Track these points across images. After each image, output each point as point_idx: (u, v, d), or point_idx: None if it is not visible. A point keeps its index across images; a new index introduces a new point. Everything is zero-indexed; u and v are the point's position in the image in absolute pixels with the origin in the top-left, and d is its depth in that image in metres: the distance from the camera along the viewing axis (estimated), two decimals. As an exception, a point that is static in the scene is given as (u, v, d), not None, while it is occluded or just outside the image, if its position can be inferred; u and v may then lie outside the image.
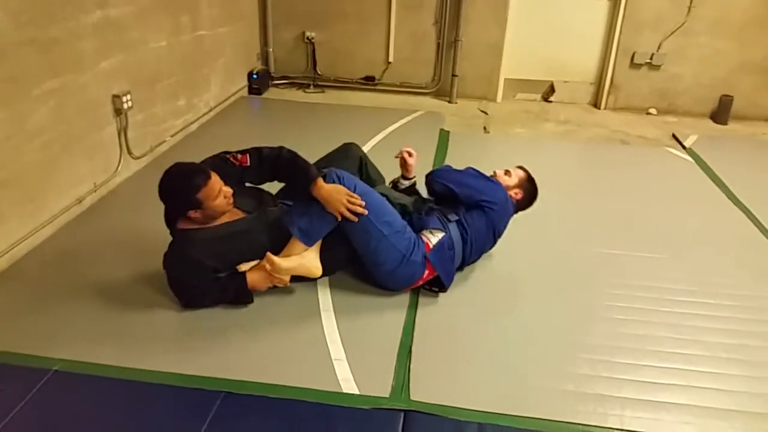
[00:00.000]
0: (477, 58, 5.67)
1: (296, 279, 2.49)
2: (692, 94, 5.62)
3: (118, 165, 3.46)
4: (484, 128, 5.07)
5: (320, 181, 2.34)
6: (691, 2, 5.29)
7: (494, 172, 2.76)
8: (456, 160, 4.12)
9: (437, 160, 4.13)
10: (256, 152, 2.47)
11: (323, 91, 5.82)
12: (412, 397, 2.04)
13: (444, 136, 4.67)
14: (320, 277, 2.54)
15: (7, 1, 2.55)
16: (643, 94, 5.68)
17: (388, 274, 2.49)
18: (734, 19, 5.32)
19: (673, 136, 5.02)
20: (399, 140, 4.49)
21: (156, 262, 2.40)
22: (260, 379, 2.08)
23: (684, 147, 4.73)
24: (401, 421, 1.94)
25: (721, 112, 5.49)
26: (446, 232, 2.53)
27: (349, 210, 2.32)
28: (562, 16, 5.59)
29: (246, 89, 5.52)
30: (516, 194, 2.73)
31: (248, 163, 2.45)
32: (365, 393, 2.04)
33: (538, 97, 5.95)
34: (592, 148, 4.77)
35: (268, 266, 2.37)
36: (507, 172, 2.77)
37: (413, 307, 2.52)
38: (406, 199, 2.70)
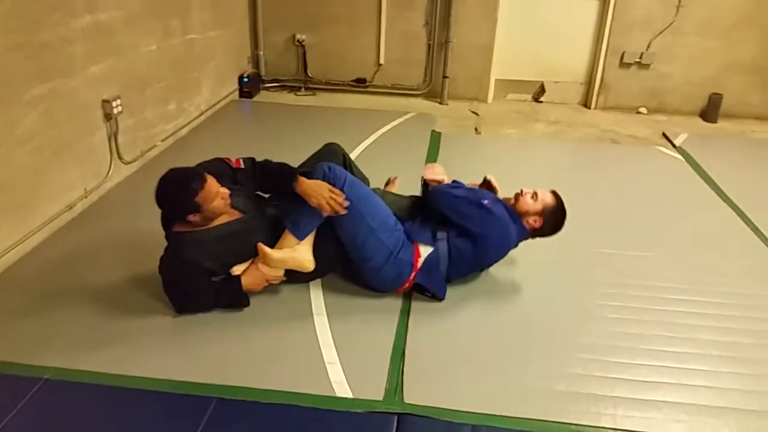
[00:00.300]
0: (468, 59, 5.68)
1: (290, 279, 2.49)
2: (682, 93, 5.65)
3: (109, 170, 3.45)
4: (476, 129, 5.08)
5: (301, 177, 2.39)
6: (679, 2, 5.32)
7: (520, 191, 2.59)
8: (447, 161, 4.13)
9: (429, 161, 4.14)
10: (249, 158, 2.55)
11: (314, 94, 5.81)
12: (405, 400, 2.04)
13: (435, 138, 4.68)
14: (312, 276, 2.55)
15: (-5, 7, 2.55)
16: (633, 93, 5.71)
17: (374, 270, 2.48)
18: (722, 18, 5.36)
19: (664, 134, 5.05)
20: (391, 142, 4.51)
21: (148, 267, 2.39)
22: (253, 384, 2.07)
23: (674, 145, 4.75)
24: (395, 423, 1.94)
25: (710, 111, 5.52)
26: (434, 248, 2.50)
27: (330, 204, 2.34)
28: (551, 16, 5.61)
29: (237, 93, 5.51)
30: (534, 221, 2.55)
31: (242, 166, 2.51)
32: (359, 396, 2.04)
33: (529, 97, 5.97)
34: (583, 148, 4.79)
35: (260, 257, 2.37)
36: (534, 195, 2.57)
37: (406, 309, 2.52)
38: (401, 204, 2.68)
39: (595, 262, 2.97)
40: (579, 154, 4.72)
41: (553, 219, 2.57)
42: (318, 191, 2.34)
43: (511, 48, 5.70)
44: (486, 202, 2.51)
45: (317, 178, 2.39)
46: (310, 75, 5.87)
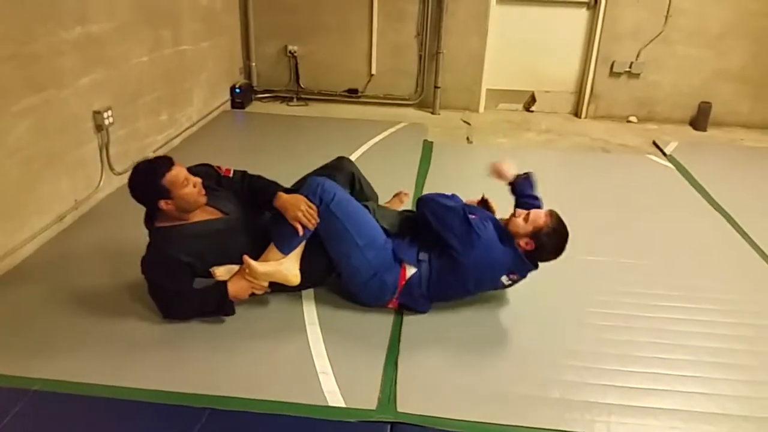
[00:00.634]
0: (459, 69, 5.71)
1: (277, 289, 2.48)
2: (671, 102, 5.70)
3: (100, 181, 3.44)
4: (467, 138, 5.10)
5: (280, 192, 2.40)
6: (668, 12, 5.38)
7: (514, 211, 2.49)
8: (439, 171, 4.15)
9: (421, 171, 4.15)
10: (240, 171, 2.58)
11: (307, 104, 5.82)
12: (398, 409, 2.03)
13: (427, 147, 4.69)
14: (300, 288, 2.54)
15: (-15, 17, 2.54)
16: (623, 102, 5.75)
17: (358, 285, 2.48)
18: (710, 28, 5.42)
19: (654, 143, 5.08)
20: (383, 152, 4.51)
21: (139, 278, 2.38)
22: (245, 395, 2.06)
23: (664, 154, 4.78)
24: (388, 433, 1.93)
25: (700, 119, 5.56)
26: (417, 269, 2.45)
27: (303, 220, 2.33)
28: (542, 26, 5.65)
29: (229, 103, 5.51)
30: (526, 244, 2.39)
31: (230, 175, 2.55)
32: (351, 406, 2.03)
33: (520, 107, 6.00)
34: (574, 157, 4.82)
35: (245, 268, 2.37)
36: (526, 217, 2.41)
37: (399, 318, 2.51)
38: (393, 220, 2.63)
39: (586, 269, 2.98)
40: (570, 163, 4.74)
41: (551, 242, 2.39)
42: (294, 205, 2.34)
43: (502, 58, 5.73)
44: (473, 217, 2.40)
45: (304, 193, 2.39)
46: (302, 85, 5.88)
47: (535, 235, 2.38)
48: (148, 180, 2.29)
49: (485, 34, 5.59)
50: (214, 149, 4.48)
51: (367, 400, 2.06)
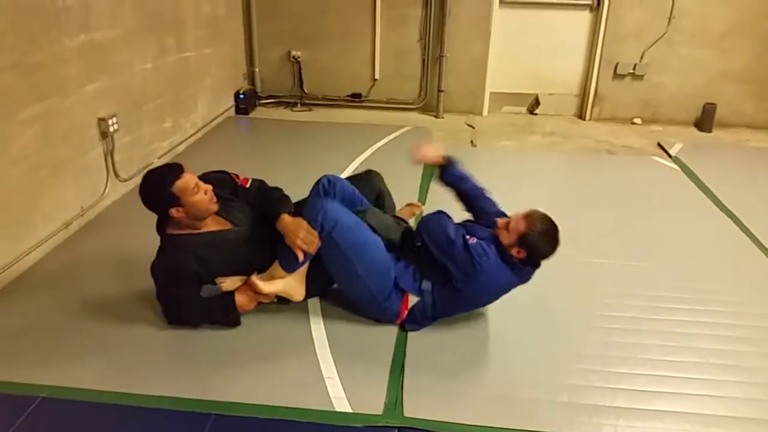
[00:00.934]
0: (462, 73, 5.71)
1: (282, 300, 2.48)
2: (676, 103, 5.68)
3: (105, 188, 3.45)
4: (471, 142, 5.10)
5: (283, 215, 2.37)
6: (671, 13, 5.37)
7: (496, 222, 2.39)
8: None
9: (425, 174, 4.14)
10: (258, 181, 2.57)
11: (310, 110, 5.83)
12: (405, 414, 2.02)
13: (432, 151, 4.68)
14: (305, 298, 2.53)
15: (-10, 26, 2.56)
16: (628, 104, 5.74)
17: (360, 305, 2.49)
18: (714, 29, 5.41)
19: (659, 144, 5.07)
20: (387, 156, 4.51)
21: (145, 285, 2.38)
22: (251, 400, 2.06)
23: (670, 155, 4.77)
24: (395, 438, 1.93)
25: (705, 120, 5.55)
26: (420, 299, 2.42)
27: (302, 246, 2.31)
28: (544, 29, 5.66)
29: (233, 109, 5.52)
30: (517, 253, 2.31)
31: (247, 185, 2.53)
32: (358, 411, 2.02)
33: (524, 110, 6.00)
34: (579, 159, 4.81)
35: (251, 286, 2.37)
36: (506, 226, 2.32)
37: (405, 322, 2.51)
38: (383, 224, 2.55)
39: (592, 272, 2.97)
40: (575, 165, 4.73)
41: (541, 243, 2.30)
42: (294, 231, 2.32)
43: (505, 61, 5.73)
44: (473, 241, 2.31)
45: (307, 217, 2.34)
46: (306, 91, 5.89)
47: (522, 241, 2.28)
48: (158, 188, 2.28)
49: (488, 37, 5.59)
50: (219, 155, 4.49)
51: (374, 405, 2.05)
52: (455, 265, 2.32)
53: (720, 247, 3.28)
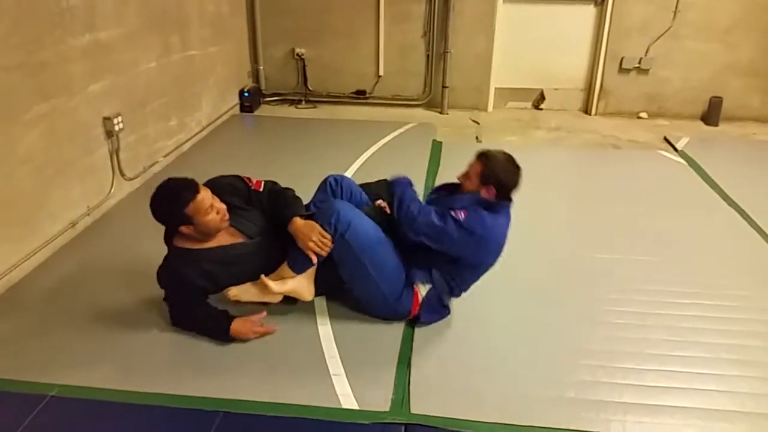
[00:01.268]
0: (467, 68, 5.70)
1: (289, 300, 2.47)
2: (682, 97, 5.66)
3: (111, 187, 3.46)
4: (476, 137, 5.09)
5: (295, 218, 2.33)
6: (676, 7, 5.34)
7: (456, 177, 2.45)
8: (449, 170, 4.13)
9: (430, 171, 4.14)
10: (270, 182, 2.52)
11: (315, 107, 5.83)
12: (412, 410, 2.02)
13: (437, 147, 4.68)
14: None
15: (-5, 27, 2.56)
16: (633, 98, 5.72)
17: (370, 306, 2.48)
18: (719, 22, 5.38)
19: (665, 138, 5.04)
20: (392, 152, 4.51)
21: (151, 284, 2.38)
22: (258, 398, 2.06)
23: (676, 149, 4.75)
24: (402, 434, 1.93)
25: (711, 114, 5.52)
26: (432, 285, 2.43)
27: (315, 248, 2.29)
28: (549, 24, 5.64)
29: (238, 107, 5.53)
30: (488, 192, 2.33)
31: (261, 189, 2.47)
32: (365, 408, 2.03)
33: (529, 105, 5.98)
34: (584, 154, 4.79)
35: (261, 286, 2.36)
36: (466, 175, 2.39)
37: (411, 319, 2.51)
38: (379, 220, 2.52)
39: (599, 267, 2.96)
40: (580, 160, 4.72)
41: (503, 174, 2.33)
42: (306, 234, 2.29)
43: (509, 56, 5.72)
44: (461, 215, 2.28)
45: (319, 220, 2.31)
46: (310, 88, 5.89)
47: (485, 179, 2.32)
48: (171, 206, 2.23)
49: (492, 32, 5.58)
50: (224, 153, 4.50)
51: (381, 401, 2.05)
52: (457, 247, 2.32)
53: (727, 242, 3.26)
